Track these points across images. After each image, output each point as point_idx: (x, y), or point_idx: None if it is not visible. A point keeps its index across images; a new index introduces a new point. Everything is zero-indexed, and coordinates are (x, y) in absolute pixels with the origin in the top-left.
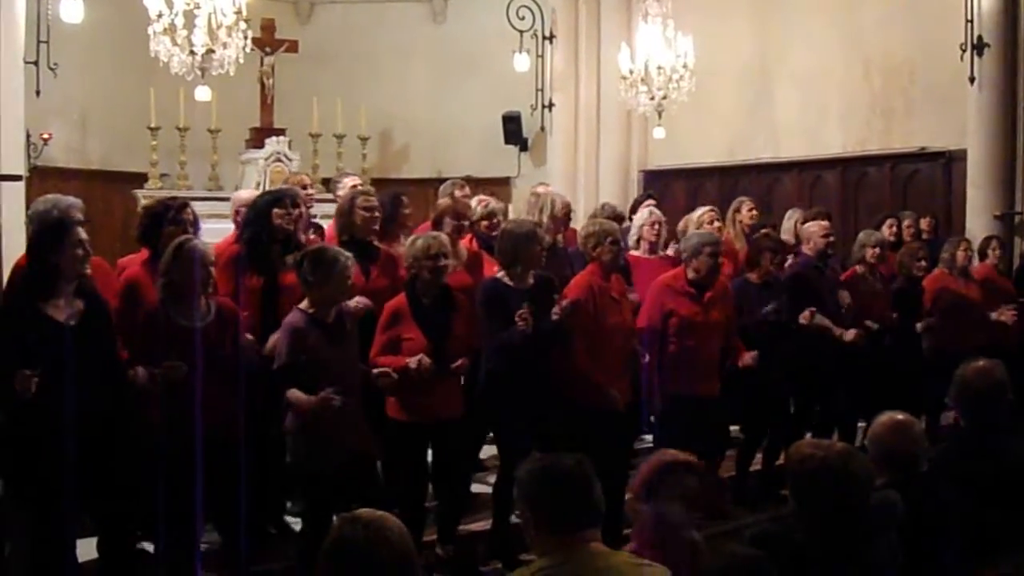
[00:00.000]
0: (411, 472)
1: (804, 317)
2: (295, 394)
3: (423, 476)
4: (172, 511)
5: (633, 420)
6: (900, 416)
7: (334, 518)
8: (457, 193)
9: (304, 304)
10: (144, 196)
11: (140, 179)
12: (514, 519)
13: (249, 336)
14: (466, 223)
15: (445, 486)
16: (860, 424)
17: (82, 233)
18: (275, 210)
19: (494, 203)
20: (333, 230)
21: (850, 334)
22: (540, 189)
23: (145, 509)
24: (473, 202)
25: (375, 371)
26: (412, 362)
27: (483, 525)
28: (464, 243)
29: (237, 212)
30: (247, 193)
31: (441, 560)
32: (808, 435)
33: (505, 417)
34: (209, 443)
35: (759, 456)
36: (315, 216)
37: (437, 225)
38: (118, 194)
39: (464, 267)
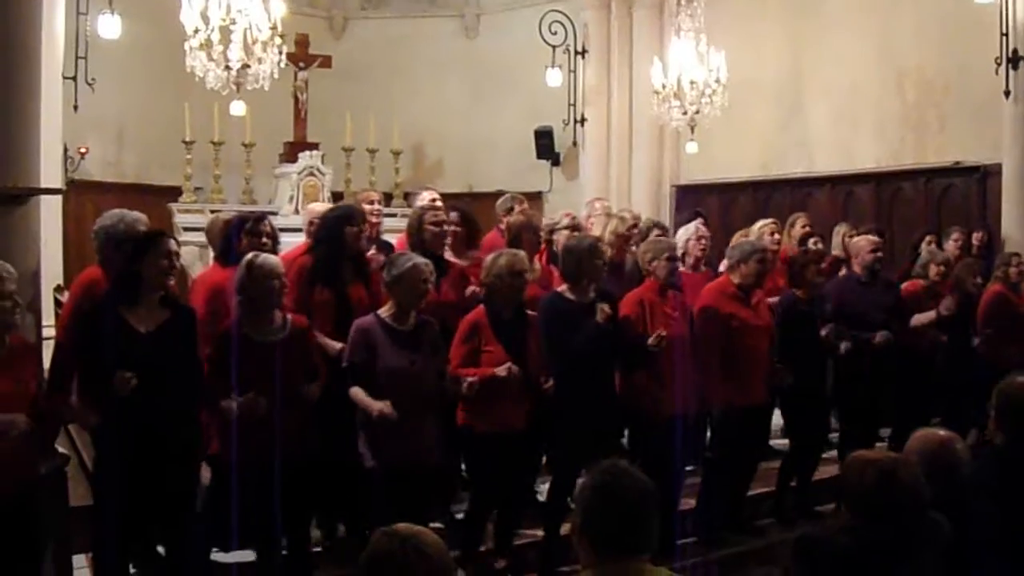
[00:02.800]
0: (480, 480)
1: (880, 337)
2: (357, 393)
3: (491, 484)
4: (255, 525)
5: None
6: (942, 432)
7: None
8: (516, 208)
9: (383, 309)
10: (179, 209)
11: (175, 193)
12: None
13: (335, 344)
14: (542, 237)
15: (507, 497)
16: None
17: (171, 245)
18: (347, 228)
19: (577, 218)
20: (403, 245)
21: (879, 336)
22: (598, 204)
23: (215, 520)
24: (558, 215)
25: (467, 380)
26: (501, 370)
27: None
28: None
29: (311, 223)
30: (321, 206)
31: (498, 571)
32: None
33: (562, 429)
34: (285, 457)
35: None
36: (381, 233)
37: (516, 242)
38: (153, 208)
39: (536, 282)
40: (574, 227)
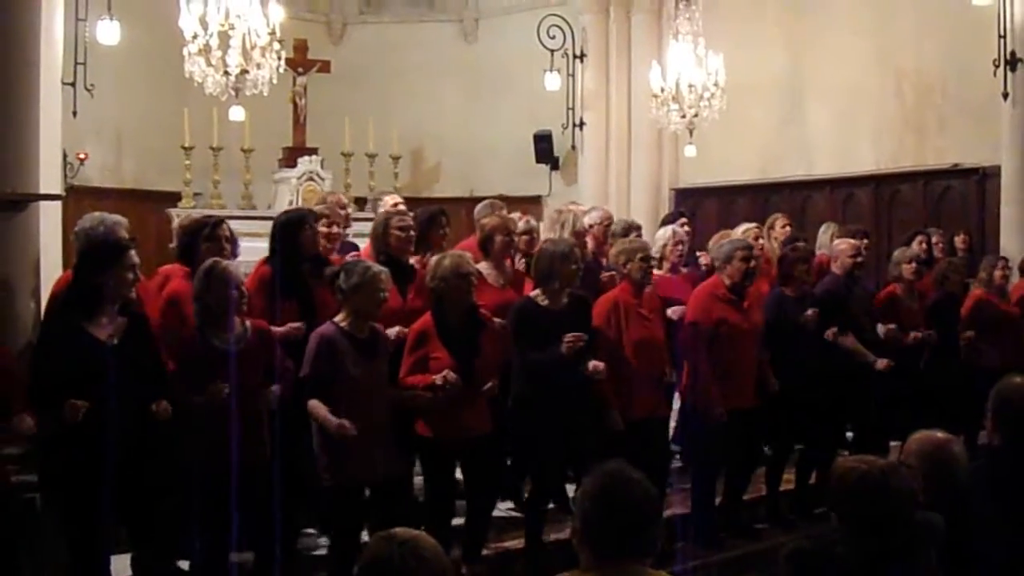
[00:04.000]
0: (440, 489)
1: (828, 335)
2: (316, 407)
3: (452, 494)
4: (206, 530)
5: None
6: (939, 434)
7: (365, 537)
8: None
9: (338, 317)
10: (178, 215)
11: (174, 198)
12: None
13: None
14: (515, 240)
15: (474, 503)
16: (893, 443)
17: (134, 257)
18: (302, 231)
19: (533, 220)
20: (369, 250)
21: (881, 363)
22: (563, 207)
23: (181, 527)
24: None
25: (409, 390)
26: (438, 378)
27: (517, 543)
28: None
29: None
30: None
31: None
32: (846, 454)
33: (535, 439)
34: (243, 463)
35: (790, 475)
36: (347, 235)
37: (488, 243)
38: (152, 213)
39: (510, 285)
40: (529, 231)
